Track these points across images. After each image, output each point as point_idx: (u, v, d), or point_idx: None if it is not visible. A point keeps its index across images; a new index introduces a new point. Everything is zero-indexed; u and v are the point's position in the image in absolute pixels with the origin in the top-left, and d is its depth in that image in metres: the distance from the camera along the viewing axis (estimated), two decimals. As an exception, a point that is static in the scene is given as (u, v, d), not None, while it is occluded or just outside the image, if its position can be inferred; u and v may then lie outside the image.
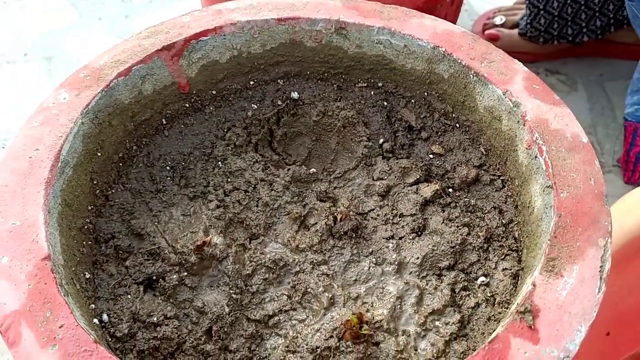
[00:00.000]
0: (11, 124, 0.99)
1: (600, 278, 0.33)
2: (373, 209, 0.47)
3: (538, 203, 0.39)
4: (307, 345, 0.40)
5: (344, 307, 0.42)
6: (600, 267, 0.34)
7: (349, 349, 0.39)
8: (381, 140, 0.50)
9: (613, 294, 0.61)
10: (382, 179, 0.48)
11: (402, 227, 0.45)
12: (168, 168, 0.48)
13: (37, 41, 1.12)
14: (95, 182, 0.43)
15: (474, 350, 0.37)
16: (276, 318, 0.42)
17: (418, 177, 0.47)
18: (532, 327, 0.32)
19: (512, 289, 0.40)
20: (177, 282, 0.41)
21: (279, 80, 0.52)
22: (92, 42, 1.13)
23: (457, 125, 0.49)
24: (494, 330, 0.34)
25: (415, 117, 0.50)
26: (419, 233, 0.45)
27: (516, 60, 0.46)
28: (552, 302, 0.32)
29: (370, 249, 0.44)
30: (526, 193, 0.42)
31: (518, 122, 0.42)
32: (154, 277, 0.41)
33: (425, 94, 0.50)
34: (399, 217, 0.46)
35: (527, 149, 0.41)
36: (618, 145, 0.98)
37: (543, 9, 0.96)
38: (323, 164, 0.51)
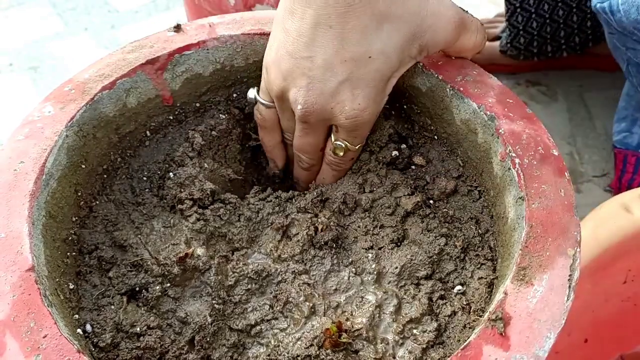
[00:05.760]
0: (-4, 133, 0.99)
1: (569, 287, 0.35)
2: (354, 221, 0.47)
3: (511, 214, 0.40)
4: (288, 353, 0.41)
5: (324, 315, 0.43)
6: (570, 276, 0.35)
7: (328, 357, 0.40)
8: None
9: (590, 301, 0.63)
10: (372, 191, 0.49)
11: (382, 237, 0.46)
12: (145, 179, 0.48)
13: (22, 51, 1.12)
14: (79, 193, 0.44)
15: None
16: (258, 327, 0.42)
17: (406, 192, 0.48)
18: (503, 334, 0.33)
19: (487, 297, 0.41)
20: (160, 293, 0.42)
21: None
22: (78, 52, 1.13)
23: (436, 137, 0.50)
24: (469, 337, 0.35)
25: (395, 129, 0.51)
26: (398, 243, 0.46)
27: (491, 75, 0.47)
28: (522, 310, 0.34)
29: (350, 259, 0.45)
30: (501, 204, 0.43)
31: (492, 134, 0.44)
32: (137, 288, 0.42)
33: (405, 106, 0.51)
34: (379, 228, 0.47)
35: (501, 160, 0.43)
36: (597, 155, 1.00)
37: (522, 29, 0.98)
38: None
